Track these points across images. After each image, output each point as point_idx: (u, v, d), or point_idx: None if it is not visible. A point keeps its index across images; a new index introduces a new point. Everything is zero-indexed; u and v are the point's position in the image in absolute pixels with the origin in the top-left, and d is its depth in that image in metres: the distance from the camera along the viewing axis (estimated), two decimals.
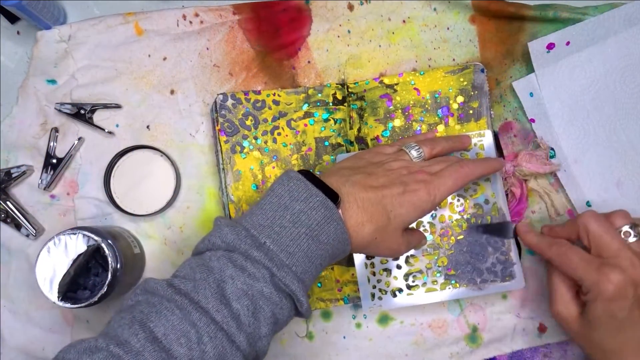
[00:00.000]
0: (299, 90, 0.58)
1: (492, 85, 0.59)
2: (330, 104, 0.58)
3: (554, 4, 0.58)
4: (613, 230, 0.47)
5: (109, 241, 0.50)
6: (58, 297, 0.49)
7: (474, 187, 0.56)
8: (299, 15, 0.59)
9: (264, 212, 0.41)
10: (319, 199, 0.41)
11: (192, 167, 0.58)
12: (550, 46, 0.57)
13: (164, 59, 0.59)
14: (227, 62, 0.59)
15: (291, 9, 0.59)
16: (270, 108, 0.57)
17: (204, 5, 0.59)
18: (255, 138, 0.57)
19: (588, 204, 0.57)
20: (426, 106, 0.58)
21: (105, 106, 0.58)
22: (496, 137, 0.58)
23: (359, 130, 0.58)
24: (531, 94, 0.58)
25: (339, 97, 0.58)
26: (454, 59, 0.59)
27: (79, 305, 0.49)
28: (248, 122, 0.57)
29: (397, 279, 0.55)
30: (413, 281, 0.55)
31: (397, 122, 0.58)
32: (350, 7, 0.59)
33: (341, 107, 0.58)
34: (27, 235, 0.57)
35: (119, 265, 0.50)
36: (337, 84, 0.58)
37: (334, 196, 0.42)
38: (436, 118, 0.58)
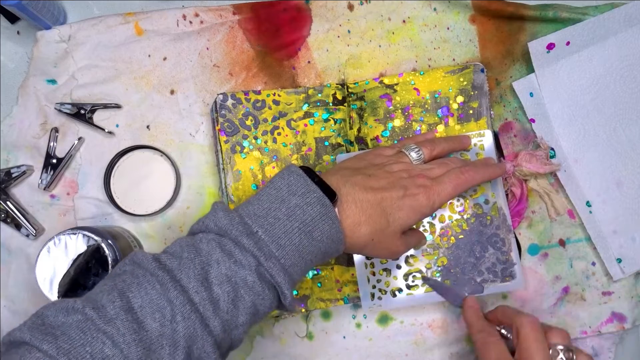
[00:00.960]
0: (299, 90, 0.58)
1: (492, 85, 0.59)
2: (330, 104, 0.58)
3: (554, 4, 0.58)
4: (543, 344, 0.45)
5: (109, 241, 0.51)
6: (58, 297, 0.49)
7: (474, 187, 0.56)
8: (299, 15, 0.59)
9: (261, 203, 0.41)
10: (316, 195, 0.41)
11: (192, 167, 0.58)
12: (550, 46, 0.57)
13: (164, 59, 0.59)
14: (227, 62, 0.59)
15: (291, 8, 0.59)
16: (270, 108, 0.57)
17: (204, 5, 0.59)
18: (255, 138, 0.57)
19: (588, 203, 0.57)
20: (426, 106, 0.58)
21: (105, 106, 0.58)
22: (496, 137, 0.58)
23: (359, 130, 0.58)
24: (531, 94, 0.58)
25: (339, 97, 0.58)
26: (454, 59, 0.59)
27: None
28: (248, 122, 0.57)
29: (397, 279, 0.55)
30: (413, 281, 0.55)
31: (397, 122, 0.58)
32: (350, 7, 0.59)
33: (341, 107, 0.58)
34: (27, 235, 0.57)
35: None
36: (337, 84, 0.58)
37: (331, 195, 0.42)
38: (436, 118, 0.58)
